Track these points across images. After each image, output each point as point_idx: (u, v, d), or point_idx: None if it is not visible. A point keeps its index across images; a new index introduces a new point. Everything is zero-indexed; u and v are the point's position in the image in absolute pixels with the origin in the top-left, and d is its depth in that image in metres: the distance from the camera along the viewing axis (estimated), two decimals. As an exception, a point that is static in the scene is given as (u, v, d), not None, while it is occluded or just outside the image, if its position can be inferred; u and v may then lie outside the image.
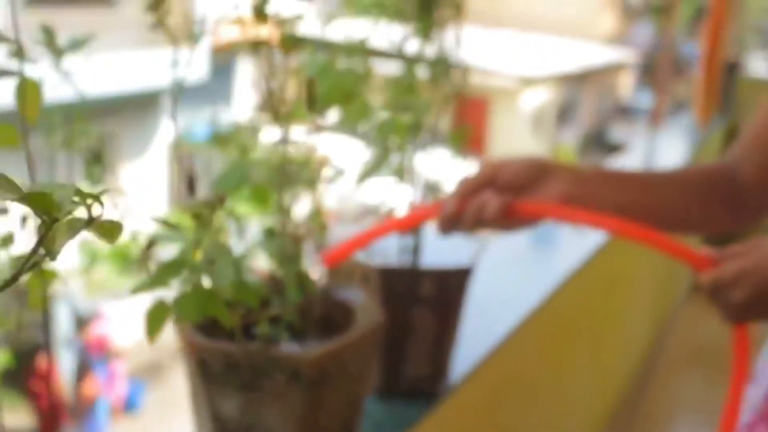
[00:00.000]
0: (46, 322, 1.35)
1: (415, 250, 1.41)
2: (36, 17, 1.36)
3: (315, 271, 1.19)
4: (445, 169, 1.44)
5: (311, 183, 1.21)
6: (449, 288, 1.42)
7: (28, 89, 0.78)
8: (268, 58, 1.13)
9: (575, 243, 2.56)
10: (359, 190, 1.35)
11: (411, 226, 1.19)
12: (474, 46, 1.35)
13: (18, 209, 0.79)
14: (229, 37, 1.08)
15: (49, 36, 0.99)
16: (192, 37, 1.07)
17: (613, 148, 21.80)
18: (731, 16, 6.30)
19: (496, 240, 2.25)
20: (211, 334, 1.08)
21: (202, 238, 0.90)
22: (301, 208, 1.17)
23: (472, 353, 1.66)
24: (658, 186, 1.20)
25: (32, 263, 0.46)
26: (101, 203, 0.49)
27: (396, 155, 1.33)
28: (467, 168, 1.40)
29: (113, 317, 8.91)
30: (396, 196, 1.36)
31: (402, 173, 1.34)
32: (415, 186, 1.39)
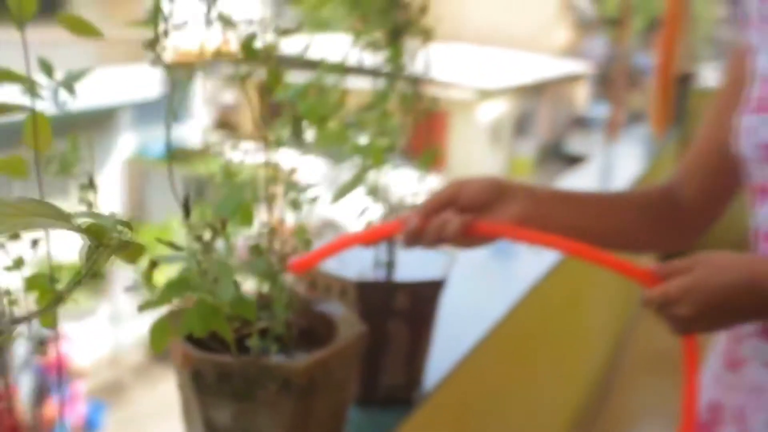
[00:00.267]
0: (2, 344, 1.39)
1: (390, 265, 1.48)
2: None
3: (299, 286, 1.26)
4: (410, 185, 1.51)
5: (294, 202, 1.29)
6: (423, 300, 1.50)
7: (39, 123, 0.84)
8: (223, 75, 1.17)
9: (533, 256, 2.64)
10: (322, 205, 1.40)
11: (375, 239, 1.26)
12: (432, 59, 1.42)
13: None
14: (186, 52, 1.10)
15: (48, 70, 1.04)
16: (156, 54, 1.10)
17: (571, 159, 22.02)
18: (684, 27, 6.42)
19: (457, 253, 2.32)
20: (198, 347, 1.14)
21: (205, 258, 0.97)
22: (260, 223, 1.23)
23: (443, 362, 1.74)
24: (608, 208, 1.28)
25: (79, 283, 0.53)
26: (131, 229, 0.56)
27: (371, 174, 1.40)
28: (431, 183, 1.48)
29: (72, 337, 8.86)
30: (358, 212, 1.43)
31: (377, 191, 1.41)
32: (381, 202, 1.46)
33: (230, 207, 1.11)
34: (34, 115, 0.83)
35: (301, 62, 1.38)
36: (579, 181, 4.49)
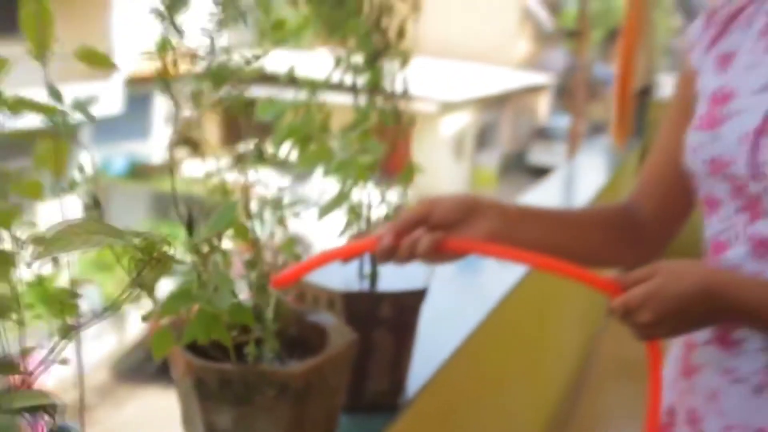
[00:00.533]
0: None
1: (374, 276, 1.55)
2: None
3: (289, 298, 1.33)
4: (384, 201, 1.58)
5: (280, 219, 1.36)
6: (406, 309, 1.57)
7: (61, 149, 0.91)
8: (182, 92, 1.17)
9: (500, 270, 2.72)
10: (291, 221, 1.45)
11: (351, 256, 1.31)
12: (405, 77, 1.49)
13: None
14: (146, 69, 1.13)
15: (58, 97, 1.10)
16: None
17: (534, 170, 22.22)
18: (642, 38, 6.49)
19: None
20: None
21: (205, 270, 1.04)
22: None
23: (424, 370, 1.81)
24: (574, 225, 1.36)
25: (130, 296, 0.60)
26: (171, 245, 0.63)
27: (354, 192, 1.48)
28: (397, 197, 1.55)
29: (36, 357, 8.81)
30: (334, 228, 1.49)
31: (360, 209, 1.49)
32: (360, 219, 1.53)
33: (226, 222, 1.17)
34: (58, 143, 0.89)
35: (274, 79, 1.43)
36: (543, 193, 4.57)
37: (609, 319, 1.21)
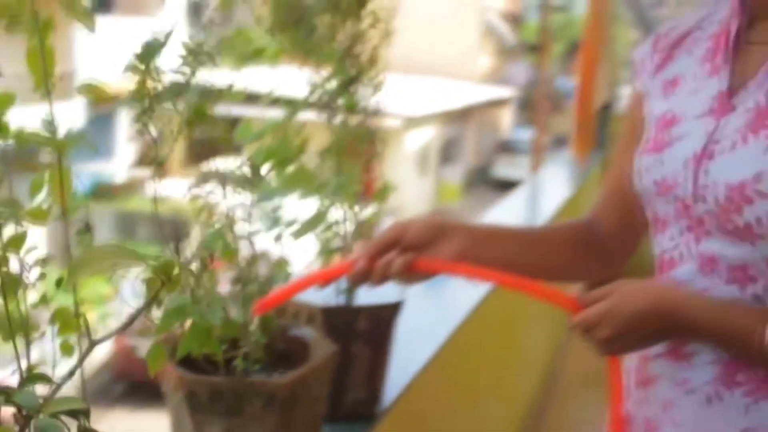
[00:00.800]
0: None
1: (351, 290, 1.63)
2: None
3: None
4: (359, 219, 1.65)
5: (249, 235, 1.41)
6: (382, 321, 1.65)
7: (63, 180, 0.97)
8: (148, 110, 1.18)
9: (467, 288, 2.79)
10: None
11: (328, 281, 1.37)
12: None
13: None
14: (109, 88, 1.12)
15: (51, 129, 1.16)
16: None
17: (498, 183, 22.36)
18: (603, 51, 6.56)
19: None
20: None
21: (197, 287, 1.11)
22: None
23: (400, 380, 1.89)
24: (539, 244, 1.43)
25: (142, 312, 0.67)
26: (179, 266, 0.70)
27: (332, 212, 1.55)
28: (377, 217, 1.62)
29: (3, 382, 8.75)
30: (300, 247, 1.56)
31: (338, 227, 1.56)
32: (334, 237, 1.60)
33: (216, 243, 1.24)
34: (60, 172, 0.96)
35: (243, 96, 1.48)
36: (508, 207, 4.65)
37: (572, 334, 1.28)
